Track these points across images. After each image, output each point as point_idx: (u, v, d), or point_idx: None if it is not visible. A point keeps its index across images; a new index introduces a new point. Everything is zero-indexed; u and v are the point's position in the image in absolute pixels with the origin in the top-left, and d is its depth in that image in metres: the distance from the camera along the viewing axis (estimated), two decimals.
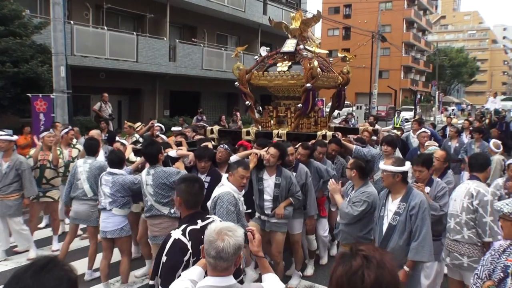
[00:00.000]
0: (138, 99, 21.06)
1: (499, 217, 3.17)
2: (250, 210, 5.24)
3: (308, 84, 6.63)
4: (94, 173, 5.72)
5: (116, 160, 5.32)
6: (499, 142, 8.38)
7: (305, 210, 5.62)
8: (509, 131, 14.71)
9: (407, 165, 4.02)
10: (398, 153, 8.21)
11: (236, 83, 7.44)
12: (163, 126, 9.43)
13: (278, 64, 7.19)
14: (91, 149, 5.98)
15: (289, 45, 7.28)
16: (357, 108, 32.49)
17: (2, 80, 11.03)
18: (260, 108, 8.48)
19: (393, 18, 50.29)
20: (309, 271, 6.05)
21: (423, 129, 8.40)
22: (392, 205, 3.98)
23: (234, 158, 5.39)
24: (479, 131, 9.64)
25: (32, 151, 7.01)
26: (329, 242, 6.59)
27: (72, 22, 15.93)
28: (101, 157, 6.94)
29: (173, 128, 9.58)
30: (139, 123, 9.63)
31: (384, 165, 4.07)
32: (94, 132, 7.70)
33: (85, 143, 6.30)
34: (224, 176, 4.35)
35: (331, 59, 8.77)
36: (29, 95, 10.61)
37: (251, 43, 24.74)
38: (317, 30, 36.03)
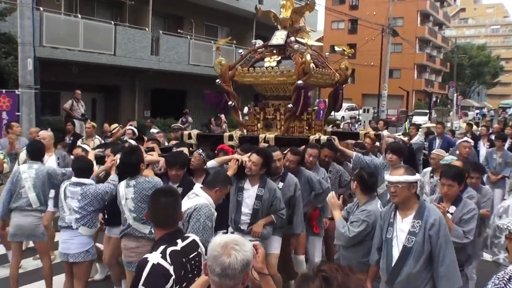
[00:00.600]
0: (115, 98, 21.18)
1: (505, 237, 3.14)
2: (225, 231, 5.13)
3: (300, 81, 6.43)
4: (41, 180, 5.55)
5: (85, 167, 5.10)
6: None
7: (289, 224, 5.40)
8: None
9: (419, 175, 3.90)
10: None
11: (217, 80, 7.27)
12: (136, 130, 9.29)
13: (266, 59, 7.00)
14: (37, 153, 5.81)
15: (279, 37, 7.10)
16: (364, 112, 32.79)
17: None
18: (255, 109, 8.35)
19: (406, 10, 50.79)
20: None
21: (465, 139, 8.05)
22: (404, 224, 3.73)
23: (211, 163, 5.28)
24: (502, 138, 9.64)
25: None
26: None
27: (41, 8, 16.01)
28: (53, 163, 6.88)
29: (152, 130, 9.66)
30: (115, 125, 9.72)
31: (395, 175, 3.78)
32: (46, 134, 7.43)
33: (29, 146, 6.11)
34: (197, 185, 4.27)
35: (327, 54, 8.78)
36: None
37: (245, 35, 25.02)
38: (319, 22, 36.28)
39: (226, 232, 5.11)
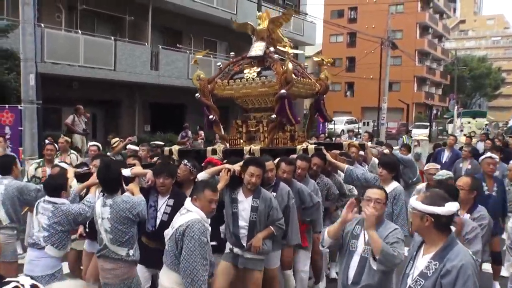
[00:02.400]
0: (116, 112, 21.32)
1: None
2: (215, 243, 4.86)
3: (283, 91, 6.30)
4: (10, 195, 5.38)
5: (52, 187, 4.80)
6: None
7: (283, 239, 5.22)
8: None
9: (450, 206, 2.99)
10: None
11: (197, 94, 7.15)
12: (100, 146, 9.07)
13: (245, 71, 6.90)
14: (4, 168, 5.62)
15: (257, 49, 6.98)
16: (364, 125, 33.08)
17: None
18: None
19: (405, 23, 50.98)
20: None
21: (489, 154, 7.44)
22: (421, 261, 3.09)
23: (202, 175, 5.09)
24: (499, 151, 9.40)
25: None
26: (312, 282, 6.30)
27: (42, 25, 16.20)
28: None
29: (128, 146, 9.08)
30: (116, 139, 9.84)
31: (413, 199, 3.18)
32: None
33: None
34: (188, 200, 4.14)
35: (306, 63, 8.61)
36: None
37: (244, 49, 25.12)
38: (318, 36, 36.58)
39: (217, 245, 4.96)
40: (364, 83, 46.78)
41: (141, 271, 4.82)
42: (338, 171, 6.43)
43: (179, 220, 3.96)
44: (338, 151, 6.99)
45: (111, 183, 4.49)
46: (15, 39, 12.84)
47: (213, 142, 10.77)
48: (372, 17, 47.45)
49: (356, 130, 29.32)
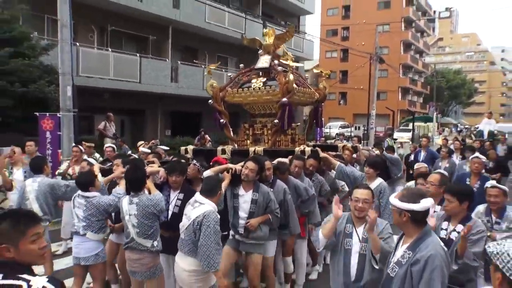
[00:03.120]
0: (141, 119, 21.33)
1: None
2: (225, 233, 4.94)
3: (284, 99, 6.31)
4: (43, 190, 5.44)
5: (82, 182, 4.89)
6: None
7: (284, 230, 5.26)
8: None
9: (425, 203, 2.92)
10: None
11: (210, 101, 7.11)
12: (115, 147, 9.15)
13: (252, 81, 6.89)
14: (37, 167, 5.70)
15: (263, 61, 6.99)
16: (355, 129, 32.95)
17: (11, 99, 11.42)
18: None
19: (391, 40, 50.98)
20: None
21: (476, 154, 7.37)
22: (399, 251, 3.05)
23: (207, 173, 5.04)
24: (472, 150, 9.38)
25: None
26: (310, 267, 6.32)
27: (77, 44, 16.27)
28: (20, 175, 6.72)
29: (141, 149, 9.19)
30: (141, 142, 9.86)
31: (392, 197, 3.11)
32: (16, 150, 7.23)
33: (30, 162, 5.96)
34: (197, 194, 4.17)
35: (307, 74, 8.66)
36: (37, 113, 10.83)
37: (251, 63, 25.18)
38: (315, 52, 36.59)
39: (228, 234, 5.04)
40: (356, 93, 46.76)
41: (161, 257, 4.82)
42: (332, 169, 6.38)
43: (194, 212, 3.98)
44: (333, 153, 6.93)
45: (138, 182, 4.47)
46: (54, 56, 12.85)
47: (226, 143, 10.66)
48: (362, 36, 47.30)
49: (348, 134, 29.22)
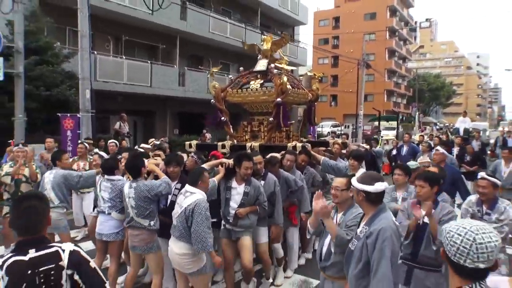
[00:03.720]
0: (151, 120, 21.38)
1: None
2: (215, 220, 4.88)
3: (279, 99, 6.27)
4: (57, 181, 5.51)
5: (107, 167, 5.01)
6: None
7: (270, 218, 5.17)
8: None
9: (378, 186, 2.93)
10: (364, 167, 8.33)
11: (212, 100, 7.06)
12: (117, 143, 9.23)
13: (251, 82, 6.89)
14: (52, 161, 5.88)
15: (261, 65, 6.99)
16: (345, 127, 33.07)
17: (36, 102, 11.56)
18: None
19: (377, 48, 51.00)
20: (279, 280, 5.58)
21: (437, 148, 7.50)
22: (360, 228, 3.08)
23: (204, 167, 4.88)
24: (445, 145, 9.40)
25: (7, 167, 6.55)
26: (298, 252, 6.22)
27: (95, 52, 16.37)
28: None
29: (142, 145, 8.98)
30: (152, 139, 9.98)
31: (354, 179, 3.11)
32: (28, 148, 7.21)
33: (52, 155, 6.07)
34: (187, 185, 4.14)
35: (301, 77, 8.71)
36: (59, 114, 11.04)
37: (251, 68, 25.22)
38: (308, 58, 36.67)
39: (218, 221, 5.01)
40: (345, 95, 46.82)
41: (160, 241, 4.81)
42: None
43: (186, 201, 3.97)
44: (323, 148, 7.07)
45: (135, 169, 4.55)
46: (75, 63, 12.96)
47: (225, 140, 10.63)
48: (351, 44, 47.35)
49: (338, 132, 29.33)
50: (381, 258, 2.78)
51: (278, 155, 5.71)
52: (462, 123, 20.10)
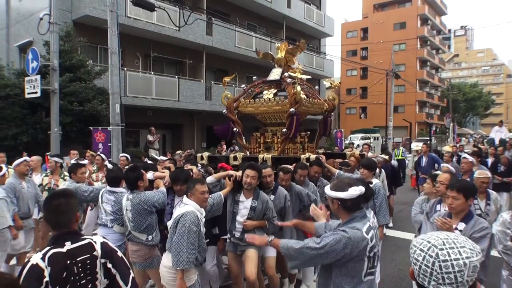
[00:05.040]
0: (179, 133, 21.94)
1: None
2: (227, 236, 4.74)
3: (292, 109, 6.06)
4: None
5: (114, 178, 4.89)
6: None
7: (280, 230, 4.84)
8: None
9: (353, 191, 2.70)
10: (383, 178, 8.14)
11: (224, 111, 6.89)
12: (129, 157, 9.30)
13: (264, 92, 6.71)
14: (69, 172, 5.83)
15: (275, 74, 6.79)
16: (375, 139, 32.91)
17: (70, 117, 12.40)
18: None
19: (407, 58, 50.68)
20: None
21: (464, 155, 7.18)
22: None
23: (210, 179, 4.81)
24: (477, 155, 9.23)
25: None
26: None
27: (125, 68, 17.22)
28: (38, 179, 6.89)
29: (160, 157, 9.04)
30: (179, 151, 10.39)
31: (327, 187, 2.88)
32: (34, 158, 7.52)
33: (69, 167, 6.03)
34: (184, 196, 3.99)
35: (327, 88, 8.60)
36: (91, 128, 11.68)
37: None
38: (336, 70, 36.86)
39: (219, 235, 4.91)
40: (375, 107, 46.61)
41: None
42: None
43: (177, 211, 3.83)
44: (339, 160, 6.70)
45: (132, 181, 4.45)
46: (106, 79, 13.74)
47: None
48: (380, 54, 47.33)
49: (369, 144, 29.09)
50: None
51: (290, 167, 5.49)
52: (498, 133, 19.56)
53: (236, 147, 18.60)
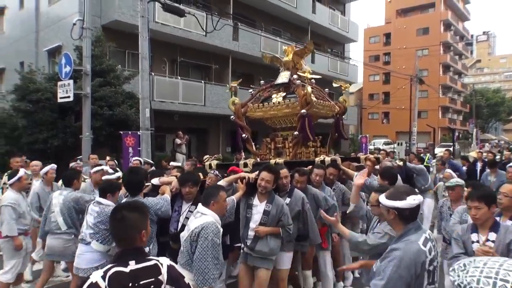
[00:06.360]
0: (205, 137, 21.82)
1: None
2: (240, 244, 4.38)
3: (303, 110, 5.76)
4: (67, 205, 4.97)
5: (108, 188, 4.49)
6: None
7: (304, 242, 4.62)
8: None
9: (411, 200, 2.55)
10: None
11: (232, 116, 6.62)
12: (142, 160, 9.08)
13: (273, 96, 6.41)
14: (67, 180, 5.32)
15: (283, 77, 6.53)
16: (398, 145, 32.23)
17: (100, 121, 12.29)
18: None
19: (430, 63, 49.75)
20: None
21: (510, 164, 6.89)
22: None
23: (221, 183, 4.40)
24: (493, 164, 8.88)
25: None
26: (334, 280, 5.35)
27: (153, 73, 16.88)
28: (39, 185, 6.27)
29: (171, 163, 8.82)
30: (206, 156, 10.16)
31: (382, 196, 2.72)
32: (36, 163, 7.02)
33: (63, 174, 5.54)
34: (199, 205, 3.57)
35: (351, 94, 8.11)
36: (121, 132, 11.48)
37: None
38: (359, 75, 36.35)
39: (240, 246, 4.47)
40: (398, 112, 45.86)
41: None
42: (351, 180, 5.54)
43: (194, 223, 3.42)
44: (356, 164, 6.26)
45: (133, 186, 4.16)
46: (134, 84, 13.68)
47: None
48: (403, 60, 46.62)
49: (390, 150, 28.50)
50: (383, 278, 2.44)
51: (306, 169, 5.20)
52: None
53: (243, 153, 18.34)
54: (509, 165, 7.08)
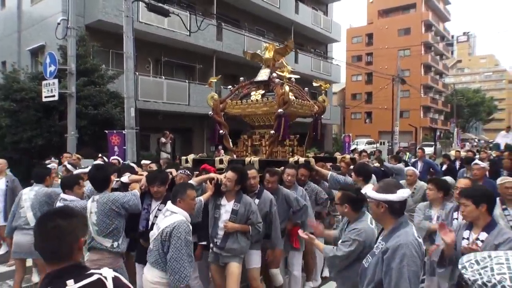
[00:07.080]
0: (189, 137, 21.92)
1: None
2: (205, 243, 4.48)
3: (280, 110, 5.72)
4: (39, 200, 4.89)
5: (67, 183, 4.49)
6: None
7: (266, 239, 4.54)
8: None
9: (401, 193, 2.60)
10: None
11: (210, 112, 6.52)
12: (120, 160, 8.99)
13: (252, 93, 6.37)
14: (39, 177, 5.20)
15: (263, 75, 6.47)
16: (381, 144, 32.81)
17: (85, 120, 12.35)
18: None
19: (412, 63, 50.64)
20: None
21: (476, 161, 6.99)
22: (378, 243, 2.73)
23: (190, 182, 4.31)
24: (469, 162, 8.96)
25: None
26: (303, 281, 5.41)
27: (137, 73, 16.68)
28: (2, 184, 6.39)
29: (143, 162, 8.70)
30: (192, 155, 10.32)
31: (369, 190, 2.74)
32: (1, 160, 6.86)
33: (33, 171, 5.41)
34: (169, 203, 3.57)
35: (334, 94, 8.18)
36: (106, 131, 11.55)
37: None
38: (342, 75, 36.80)
39: (207, 244, 4.50)
40: (380, 112, 46.49)
41: (137, 268, 4.37)
42: (325, 180, 5.62)
43: (164, 222, 3.40)
44: (330, 163, 6.44)
45: (99, 182, 4.11)
46: (118, 83, 13.70)
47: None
48: (385, 60, 47.30)
49: (373, 150, 28.98)
50: (400, 279, 2.41)
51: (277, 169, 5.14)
52: (505, 138, 19.32)
53: (222, 151, 18.53)
54: (473, 162, 7.13)
